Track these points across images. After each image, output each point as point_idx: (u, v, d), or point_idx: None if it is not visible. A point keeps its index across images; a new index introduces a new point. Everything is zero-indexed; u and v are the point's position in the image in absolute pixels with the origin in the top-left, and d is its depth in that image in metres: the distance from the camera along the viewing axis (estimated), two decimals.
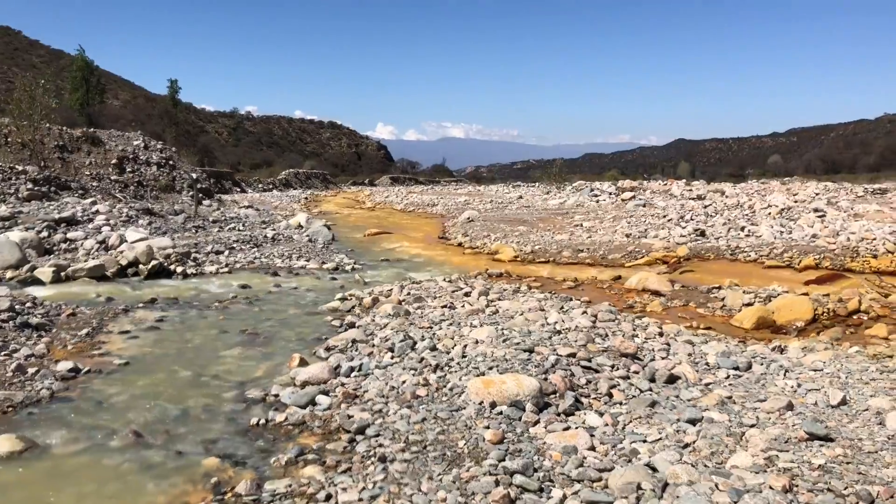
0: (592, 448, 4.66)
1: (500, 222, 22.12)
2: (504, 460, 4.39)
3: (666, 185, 34.94)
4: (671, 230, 17.73)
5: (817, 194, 24.11)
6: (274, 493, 4.18)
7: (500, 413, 5.19)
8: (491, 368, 6.13)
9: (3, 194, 18.95)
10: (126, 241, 14.70)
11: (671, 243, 15.69)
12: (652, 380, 6.14)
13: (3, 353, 6.97)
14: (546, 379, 5.79)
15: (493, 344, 6.91)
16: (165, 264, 12.94)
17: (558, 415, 5.28)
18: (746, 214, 19.94)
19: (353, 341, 7.65)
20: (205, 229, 19.37)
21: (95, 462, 4.74)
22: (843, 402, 5.51)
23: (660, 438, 4.82)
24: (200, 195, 27.05)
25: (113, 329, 8.39)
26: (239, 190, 48.37)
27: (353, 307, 9.82)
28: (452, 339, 7.35)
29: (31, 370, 6.51)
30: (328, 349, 7.52)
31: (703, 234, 16.84)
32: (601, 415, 5.30)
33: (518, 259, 15.52)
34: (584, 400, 5.63)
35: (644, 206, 24.98)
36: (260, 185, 55.63)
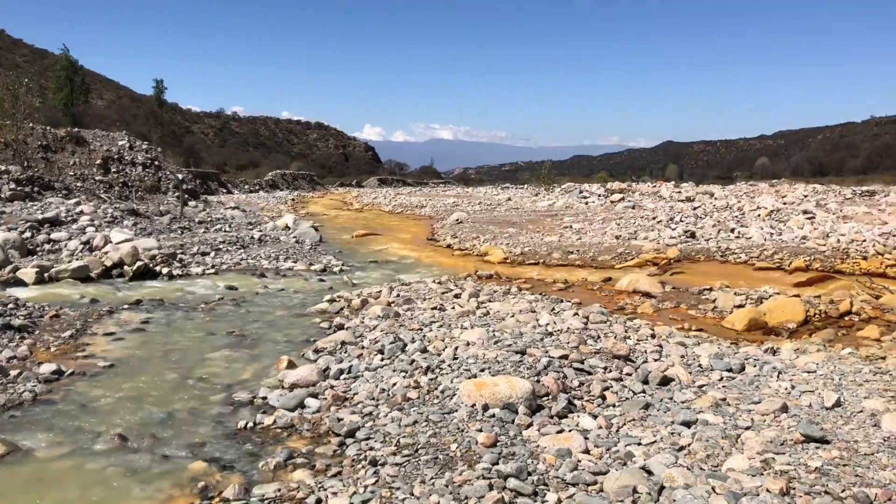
0: (587, 451, 4.58)
1: (489, 224, 22.07)
2: (497, 464, 4.30)
3: (655, 187, 35.01)
4: (661, 232, 17.72)
5: (806, 196, 24.21)
6: (262, 498, 4.08)
7: (493, 415, 5.11)
8: (483, 370, 6.05)
9: None
10: (111, 241, 14.54)
11: (661, 245, 15.68)
12: (645, 382, 6.08)
13: None
14: (539, 381, 5.72)
15: (485, 346, 6.83)
16: (151, 265, 12.80)
17: (551, 417, 5.21)
18: (736, 216, 19.98)
19: (343, 343, 7.56)
20: (191, 230, 19.21)
21: (79, 466, 4.62)
22: (838, 403, 5.47)
23: (654, 441, 4.76)
24: (186, 196, 26.86)
25: (97, 331, 8.26)
26: (225, 191, 48.07)
27: (341, 309, 9.72)
28: (443, 340, 7.27)
29: (13, 372, 6.37)
30: (317, 351, 7.43)
31: (693, 235, 16.84)
32: (595, 417, 5.23)
33: (507, 261, 15.46)
34: (577, 402, 5.56)
35: (633, 207, 25.00)
36: (246, 186, 55.33)
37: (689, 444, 4.63)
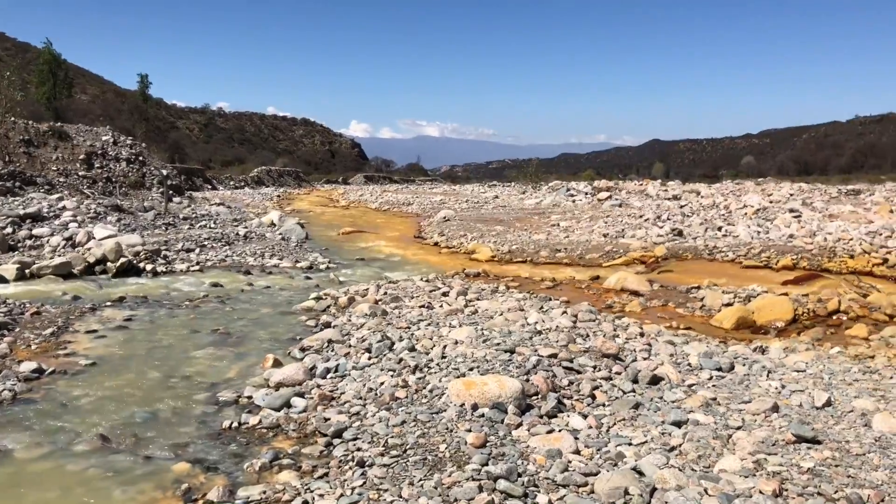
0: (577, 451, 4.53)
1: (476, 222, 22.01)
2: (487, 465, 4.23)
3: (641, 185, 35.07)
4: (648, 230, 17.72)
5: (792, 195, 24.31)
6: (248, 500, 4.00)
7: (482, 415, 5.04)
8: (472, 369, 5.98)
9: None
10: (94, 238, 14.36)
11: (649, 243, 15.66)
12: (635, 381, 6.03)
13: None
14: (528, 380, 5.66)
15: (473, 344, 6.77)
16: (134, 262, 12.63)
17: (541, 417, 5.14)
18: (723, 214, 20.02)
19: (329, 341, 7.47)
20: (175, 227, 19.04)
21: (59, 467, 4.51)
22: (828, 403, 5.45)
23: (645, 441, 4.71)
24: (171, 192, 26.64)
25: (79, 328, 8.13)
26: (210, 187, 47.75)
27: (328, 307, 9.62)
28: (431, 339, 7.20)
29: None
30: (303, 350, 7.33)
31: (680, 233, 16.84)
32: (585, 417, 5.18)
33: (495, 259, 15.40)
34: (566, 401, 5.50)
35: (620, 206, 25.02)
36: (232, 183, 54.98)
37: (681, 445, 4.59)
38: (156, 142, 52.57)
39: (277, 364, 6.70)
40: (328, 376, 6.31)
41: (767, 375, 6.38)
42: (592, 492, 3.97)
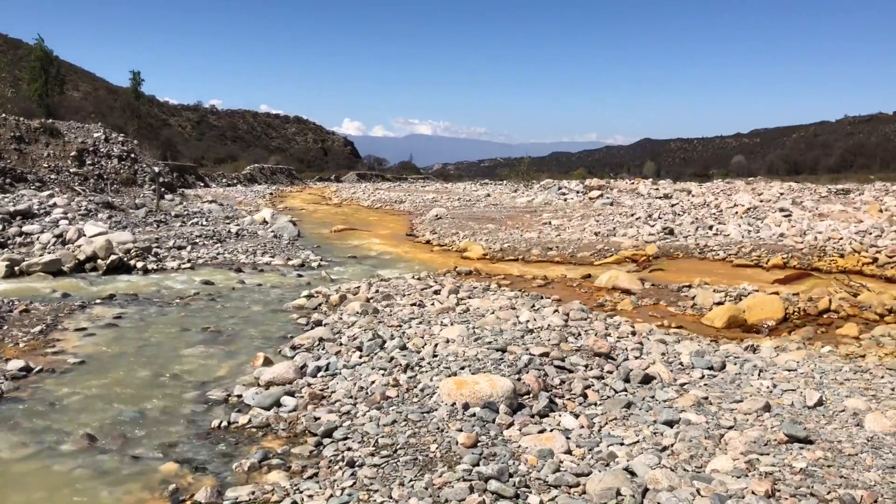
0: (569, 451, 4.50)
1: (468, 220, 21.99)
2: (478, 465, 4.20)
3: (633, 183, 35.09)
4: (640, 229, 17.73)
5: (782, 194, 24.35)
6: (236, 501, 3.96)
7: (474, 415, 5.00)
8: (463, 368, 5.95)
9: None
10: (84, 235, 14.28)
11: (640, 242, 15.67)
12: (626, 380, 6.01)
13: None
14: (519, 379, 5.63)
15: (465, 343, 6.74)
16: (125, 259, 12.56)
17: (533, 416, 5.12)
18: (714, 213, 20.05)
19: (320, 340, 7.43)
20: (167, 224, 18.95)
21: (45, 468, 4.46)
22: (820, 402, 5.43)
23: (637, 441, 4.69)
24: (163, 189, 26.51)
25: (68, 326, 8.06)
26: (202, 184, 47.60)
27: (319, 304, 9.58)
28: (423, 338, 7.16)
29: None
30: (294, 348, 7.29)
31: (671, 232, 16.85)
32: (576, 416, 5.15)
33: (487, 257, 15.38)
34: (558, 401, 5.47)
35: (612, 204, 25.03)
36: (224, 180, 54.83)
37: (673, 445, 4.57)
38: (148, 139, 52.38)
39: (268, 362, 6.66)
40: (319, 375, 6.28)
41: (759, 374, 6.37)
42: (584, 492, 3.94)
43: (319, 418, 5.17)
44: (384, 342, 7.04)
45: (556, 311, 8.75)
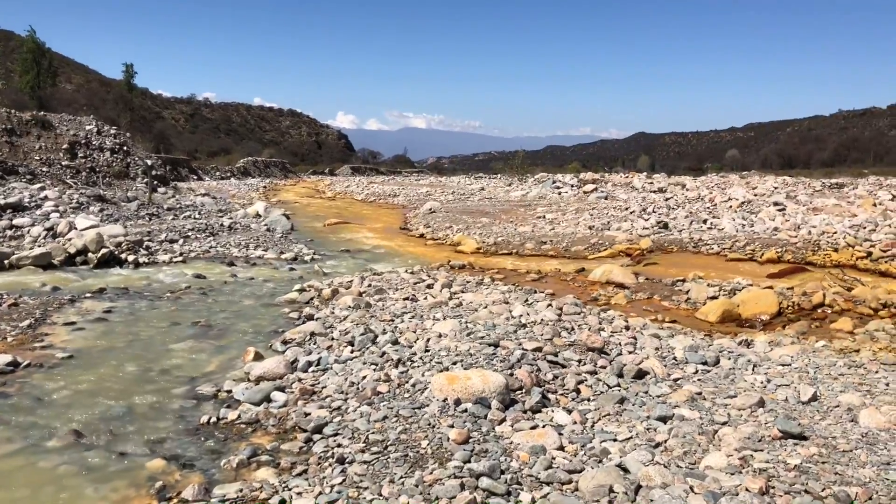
0: (561, 448, 4.45)
1: (462, 213, 21.92)
2: (469, 462, 4.15)
3: (627, 177, 35.05)
4: (634, 223, 17.69)
5: (776, 188, 24.35)
6: (223, 499, 3.90)
7: (465, 411, 4.95)
8: (455, 363, 5.89)
9: None
10: (75, 228, 14.19)
11: (634, 235, 15.64)
12: (620, 375, 5.97)
13: None
14: (512, 374, 5.58)
15: (457, 338, 6.68)
16: (116, 253, 12.47)
17: (525, 412, 5.07)
18: (708, 207, 20.02)
19: (312, 334, 7.37)
20: (159, 217, 18.85)
21: (30, 464, 4.40)
22: (814, 398, 5.40)
23: (630, 437, 4.64)
24: (155, 182, 26.38)
25: (57, 320, 7.98)
26: (195, 177, 47.43)
27: (311, 299, 9.52)
28: (415, 332, 7.11)
29: None
30: (285, 342, 7.23)
31: (665, 226, 16.82)
32: (569, 412, 5.10)
33: (481, 251, 15.33)
34: (551, 396, 5.42)
35: (606, 198, 25.00)
36: (217, 173, 54.65)
37: (666, 441, 4.52)
38: (141, 132, 52.13)
39: (258, 357, 6.59)
40: (310, 370, 6.22)
41: (753, 369, 6.34)
42: (577, 490, 3.89)
43: (310, 414, 5.11)
44: (376, 337, 6.99)
45: (549, 305, 8.70)
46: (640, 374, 6.00)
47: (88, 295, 9.39)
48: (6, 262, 11.13)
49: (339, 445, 4.52)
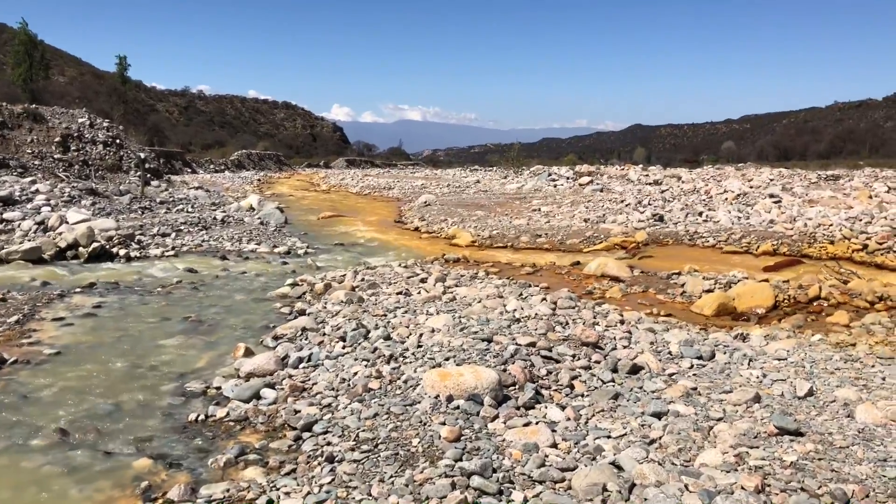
0: (554, 445, 4.38)
1: (457, 206, 21.83)
2: (461, 460, 4.08)
3: (623, 170, 34.97)
4: (629, 215, 17.63)
5: (772, 180, 24.28)
6: (210, 499, 3.82)
7: (457, 407, 4.87)
8: (448, 359, 5.81)
9: None
10: (67, 222, 14.05)
11: (629, 228, 15.58)
12: (614, 370, 5.90)
13: None
14: (505, 370, 5.51)
15: (450, 333, 6.61)
16: (107, 247, 12.35)
17: (518, 408, 4.99)
18: (703, 200, 19.96)
19: (303, 329, 7.29)
20: (151, 210, 18.70)
21: (13, 464, 4.31)
22: (810, 393, 5.34)
23: (624, 434, 4.58)
24: (149, 175, 26.23)
25: (46, 316, 7.88)
26: (189, 170, 47.26)
27: (303, 293, 9.43)
28: (408, 327, 7.03)
29: None
30: (276, 338, 7.15)
31: (661, 219, 16.76)
32: (563, 408, 5.03)
33: (476, 244, 15.26)
34: (544, 392, 5.35)
35: (602, 190, 24.93)
36: (211, 166, 54.45)
37: (661, 437, 4.46)
38: (134, 125, 51.80)
39: (249, 353, 6.51)
40: (300, 366, 6.14)
41: (748, 364, 6.28)
42: (570, 488, 3.83)
43: (299, 411, 5.03)
44: (368, 332, 6.91)
45: (543, 299, 8.63)
46: (635, 369, 5.94)
47: (78, 290, 9.29)
48: None
49: (328, 444, 4.44)
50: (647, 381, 5.71)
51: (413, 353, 6.09)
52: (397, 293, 9.00)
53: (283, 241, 15.09)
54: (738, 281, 10.05)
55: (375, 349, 6.28)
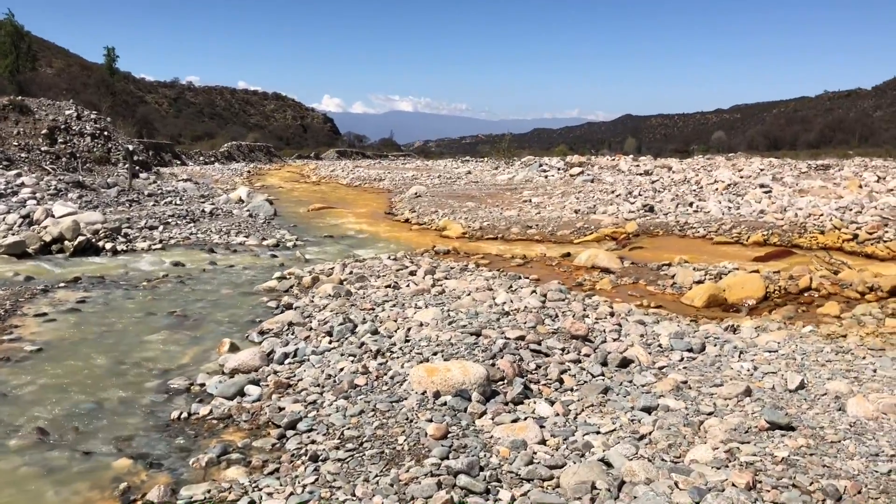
0: (543, 441, 4.31)
1: (448, 198, 21.72)
2: (447, 458, 4.01)
3: (614, 160, 34.94)
4: (620, 206, 17.57)
5: (762, 170, 24.28)
6: (190, 500, 3.74)
7: (444, 404, 4.79)
8: (435, 354, 5.74)
9: None
10: (52, 215, 13.89)
11: (620, 219, 15.52)
12: (604, 363, 5.84)
13: None
14: (494, 364, 5.44)
15: (439, 327, 6.53)
16: (93, 240, 12.22)
17: (506, 404, 4.92)
18: (694, 190, 19.93)
19: (290, 324, 7.20)
20: (139, 203, 18.55)
21: None
22: (801, 386, 5.29)
23: (614, 429, 4.51)
24: (137, 168, 26.03)
25: (28, 311, 7.76)
26: (179, 162, 46.95)
27: (291, 287, 9.33)
28: (396, 321, 6.94)
29: None
30: (262, 333, 7.05)
31: (651, 209, 16.71)
32: (552, 403, 4.97)
33: (466, 235, 15.17)
34: (533, 387, 5.28)
35: (592, 181, 24.86)
36: (201, 158, 54.10)
37: (650, 433, 4.39)
38: (123, 116, 51.39)
39: (234, 349, 6.42)
40: (286, 362, 6.05)
41: (739, 356, 6.22)
42: (558, 486, 3.76)
43: (284, 409, 4.95)
44: (355, 326, 6.82)
45: (533, 291, 8.55)
46: (625, 363, 5.88)
47: (62, 284, 9.17)
48: None
49: (312, 442, 4.36)
50: (637, 374, 5.65)
51: (400, 348, 6.00)
52: (386, 286, 8.91)
53: (271, 233, 14.97)
54: (729, 272, 10.00)
55: (362, 344, 6.19)
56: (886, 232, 12.28)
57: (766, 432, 4.34)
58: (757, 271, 9.88)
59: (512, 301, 7.86)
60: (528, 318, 6.91)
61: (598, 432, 4.48)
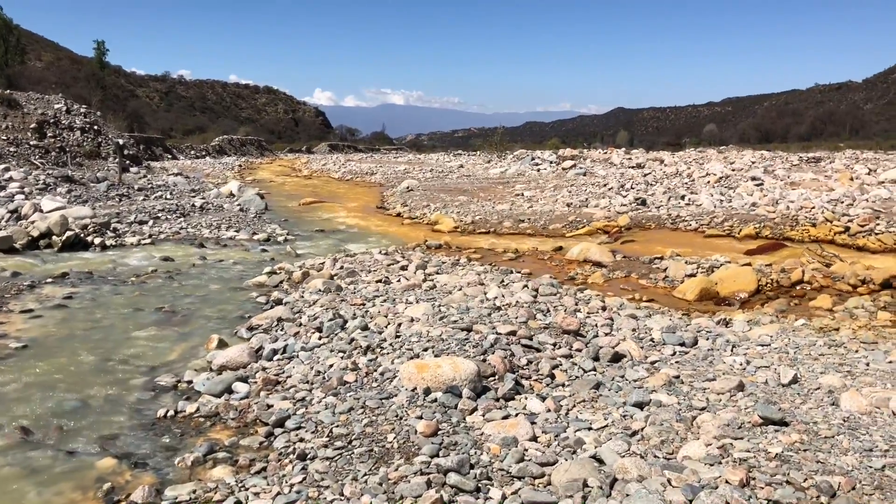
0: (534, 438, 4.26)
1: (440, 192, 21.65)
2: (438, 456, 3.95)
3: (606, 153, 34.89)
4: (612, 199, 17.53)
5: (754, 163, 24.27)
6: (175, 501, 3.67)
7: (435, 400, 4.73)
8: (426, 350, 5.68)
9: None
10: (41, 210, 13.78)
11: (612, 213, 15.48)
12: (596, 358, 5.79)
13: None
14: (485, 360, 5.38)
15: (430, 322, 6.46)
16: (82, 235, 12.11)
17: (497, 400, 4.86)
18: (686, 183, 19.90)
19: (279, 320, 7.12)
20: (129, 198, 18.41)
21: None
22: (794, 380, 5.24)
23: (606, 425, 4.46)
24: (127, 162, 25.86)
25: (14, 307, 7.67)
26: (170, 157, 46.75)
27: (281, 282, 9.25)
28: (386, 317, 6.88)
29: None
30: (251, 329, 6.98)
31: (643, 203, 16.67)
32: (543, 399, 4.91)
33: (458, 230, 15.11)
34: (524, 382, 5.23)
35: (584, 174, 24.82)
36: (192, 152, 53.90)
37: (643, 429, 4.34)
38: (114, 110, 51.12)
39: (222, 345, 6.35)
40: (275, 358, 5.98)
41: (732, 350, 6.18)
42: (549, 484, 3.70)
43: (272, 406, 4.88)
44: (345, 322, 6.75)
45: (525, 286, 8.50)
46: (617, 358, 5.82)
47: (50, 280, 9.07)
48: None
49: (301, 440, 4.30)
50: (629, 369, 5.60)
51: (391, 344, 5.94)
52: (377, 281, 8.84)
53: (262, 228, 14.88)
54: (721, 265, 9.96)
55: (352, 340, 6.13)
56: (878, 224, 12.28)
57: (759, 427, 4.29)
58: (749, 264, 9.85)
59: (503, 296, 7.80)
60: (520, 312, 6.85)
61: (589, 428, 4.42)
